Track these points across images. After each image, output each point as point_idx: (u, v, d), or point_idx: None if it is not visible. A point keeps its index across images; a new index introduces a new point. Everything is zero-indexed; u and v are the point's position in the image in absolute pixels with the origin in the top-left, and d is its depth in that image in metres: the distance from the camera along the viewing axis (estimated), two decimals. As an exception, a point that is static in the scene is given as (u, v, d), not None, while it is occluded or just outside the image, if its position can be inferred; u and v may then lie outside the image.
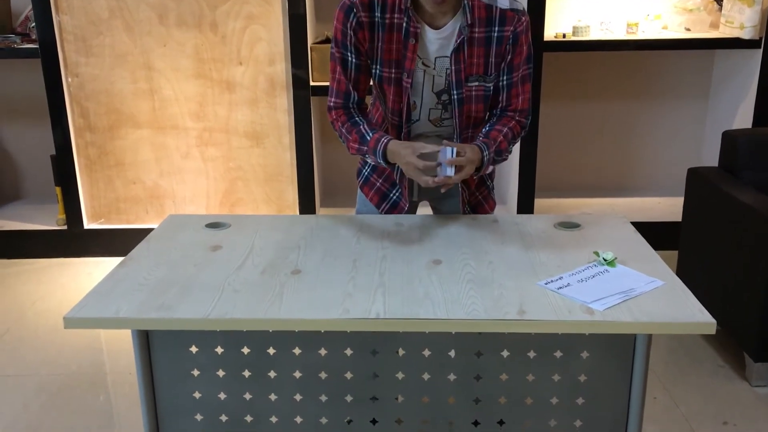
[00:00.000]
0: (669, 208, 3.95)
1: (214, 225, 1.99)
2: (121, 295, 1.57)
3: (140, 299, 1.55)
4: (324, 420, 1.67)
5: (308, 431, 1.69)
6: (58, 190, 3.79)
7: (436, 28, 1.83)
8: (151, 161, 3.75)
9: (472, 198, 2.08)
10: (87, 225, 3.79)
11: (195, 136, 3.71)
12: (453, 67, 1.85)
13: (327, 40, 3.63)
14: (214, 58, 3.59)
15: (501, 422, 1.66)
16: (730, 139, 2.83)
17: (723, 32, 3.66)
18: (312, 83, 3.56)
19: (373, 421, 1.67)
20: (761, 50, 3.51)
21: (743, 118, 3.67)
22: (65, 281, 3.54)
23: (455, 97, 1.89)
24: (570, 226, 1.95)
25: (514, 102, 1.92)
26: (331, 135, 4.06)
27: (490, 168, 1.90)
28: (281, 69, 3.59)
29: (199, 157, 3.75)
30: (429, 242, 1.83)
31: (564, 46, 3.61)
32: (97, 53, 3.57)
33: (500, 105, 1.94)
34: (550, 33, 3.63)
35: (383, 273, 1.66)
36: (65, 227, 3.79)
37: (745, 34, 3.49)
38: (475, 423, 1.67)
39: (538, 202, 3.85)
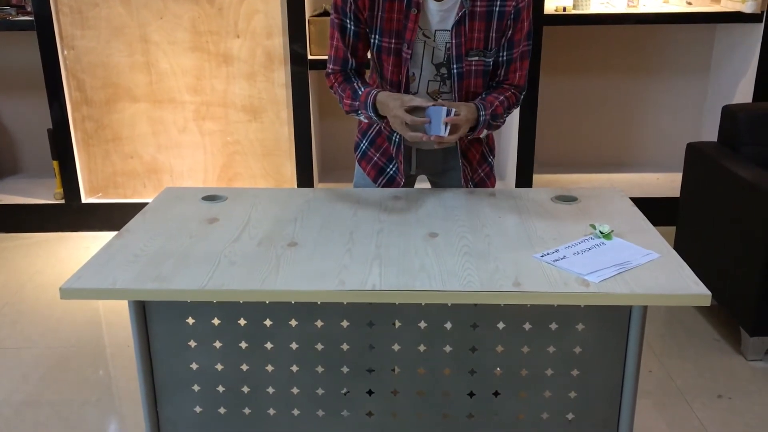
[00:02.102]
0: (668, 183, 3.94)
1: (210, 198, 1.98)
2: (117, 267, 1.57)
3: (136, 270, 1.55)
4: (320, 391, 1.68)
5: (305, 402, 1.70)
6: (55, 164, 3.78)
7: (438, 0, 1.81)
8: (148, 135, 3.73)
9: (475, 175, 2.07)
10: (84, 199, 3.79)
11: (192, 110, 3.69)
12: (453, 41, 1.84)
13: (325, 13, 3.60)
14: (211, 31, 3.56)
15: (496, 393, 1.67)
16: (729, 114, 2.82)
17: (724, 6, 3.63)
18: (310, 57, 3.53)
19: (369, 392, 1.69)
20: (762, 24, 3.48)
21: (744, 93, 3.65)
22: (63, 255, 3.55)
23: (455, 71, 1.88)
24: (567, 199, 1.95)
25: (512, 77, 1.93)
26: (329, 110, 4.04)
27: (484, 132, 1.90)
28: (279, 42, 3.56)
29: (197, 132, 3.73)
30: (426, 215, 1.83)
31: (564, 19, 3.58)
32: (93, 26, 3.54)
33: (498, 78, 1.94)
34: (550, 6, 3.59)
35: (380, 245, 1.66)
36: (63, 201, 3.79)
37: (747, 8, 3.45)
38: (471, 394, 1.68)
39: (537, 178, 3.84)
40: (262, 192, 2.03)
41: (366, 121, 1.95)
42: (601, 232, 1.69)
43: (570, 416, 1.69)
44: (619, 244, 1.66)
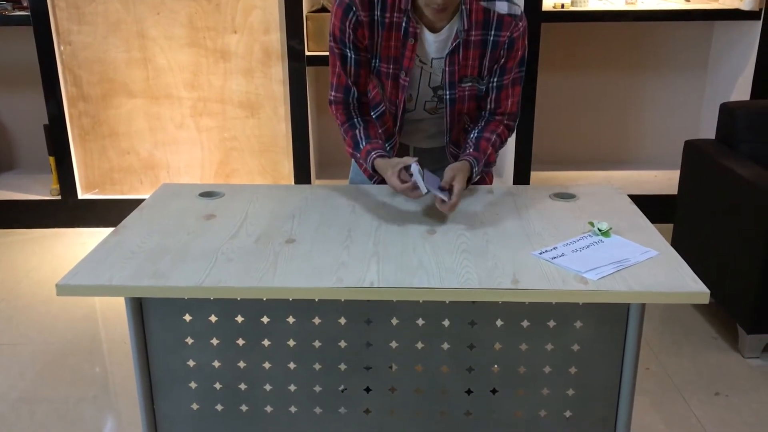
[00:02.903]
0: (665, 181, 3.94)
1: (207, 194, 1.97)
2: (114, 263, 1.56)
3: (133, 267, 1.54)
4: (318, 388, 1.68)
5: (302, 399, 1.69)
6: (51, 159, 3.76)
7: (435, 30, 1.81)
8: (145, 131, 3.72)
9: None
10: (81, 195, 3.78)
11: (189, 106, 3.68)
12: (447, 68, 1.84)
13: (323, 9, 3.59)
14: (208, 27, 3.55)
15: (494, 391, 1.67)
16: (727, 111, 2.81)
17: (722, 3, 3.63)
18: (308, 53, 3.52)
19: (367, 390, 1.68)
20: (761, 21, 3.48)
21: (742, 91, 3.65)
22: (59, 251, 3.54)
23: (447, 97, 1.88)
24: (565, 196, 1.94)
25: (504, 105, 1.90)
26: (326, 106, 4.01)
27: (477, 177, 1.90)
28: (276, 38, 3.55)
29: (194, 128, 3.72)
30: (424, 212, 1.82)
31: (562, 16, 3.57)
32: (90, 21, 3.52)
33: (489, 107, 1.92)
34: (548, 3, 3.59)
35: (378, 242, 1.65)
36: (59, 197, 3.78)
37: (745, 5, 3.45)
38: (468, 391, 1.67)
39: (534, 175, 3.83)
40: (259, 188, 2.02)
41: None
42: (600, 230, 1.69)
43: (568, 414, 1.68)
44: (618, 241, 1.65)
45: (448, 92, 1.87)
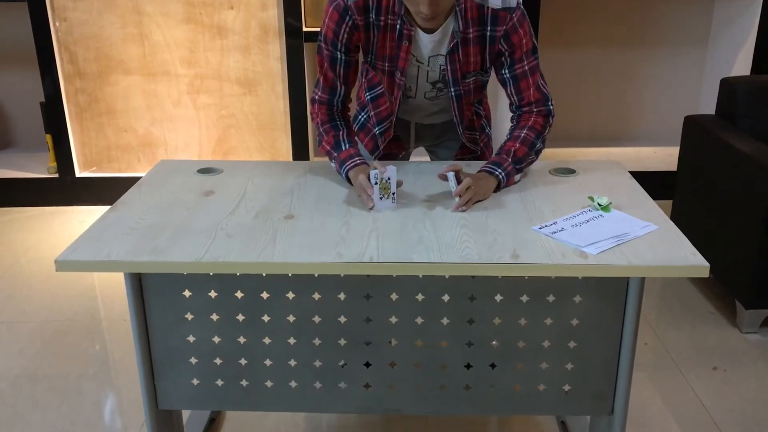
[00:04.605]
0: (665, 157, 3.94)
1: (206, 170, 1.97)
2: (112, 239, 1.56)
3: (132, 243, 1.54)
4: (318, 363, 1.69)
5: (302, 374, 1.70)
6: (48, 137, 3.74)
7: (429, 32, 1.78)
8: (142, 109, 3.70)
9: (474, 146, 2.06)
10: (78, 173, 3.76)
11: (186, 83, 3.65)
12: (449, 67, 1.82)
13: (320, -15, 3.55)
14: (205, 2, 3.51)
15: (493, 365, 1.67)
16: (728, 86, 2.80)
17: (724, -23, 3.59)
18: (305, 29, 3.49)
19: (367, 365, 1.69)
20: (762, -4, 3.45)
21: (742, 66, 3.63)
22: (57, 230, 3.53)
23: (453, 93, 1.87)
24: (565, 172, 1.94)
25: (526, 95, 1.86)
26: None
27: (517, 177, 1.84)
28: (273, 14, 3.51)
29: (191, 105, 3.70)
30: (423, 188, 1.82)
31: (562, -9, 3.54)
32: (85, -3, 3.49)
33: (513, 101, 1.88)
34: (548, -23, 3.55)
35: (377, 218, 1.65)
36: (56, 175, 3.76)
37: (747, -20, 3.42)
38: (468, 366, 1.68)
39: (533, 151, 3.81)
40: (257, 165, 2.01)
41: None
42: (600, 205, 1.69)
43: (566, 388, 1.69)
44: (618, 216, 1.65)
45: (452, 89, 1.86)
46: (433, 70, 1.85)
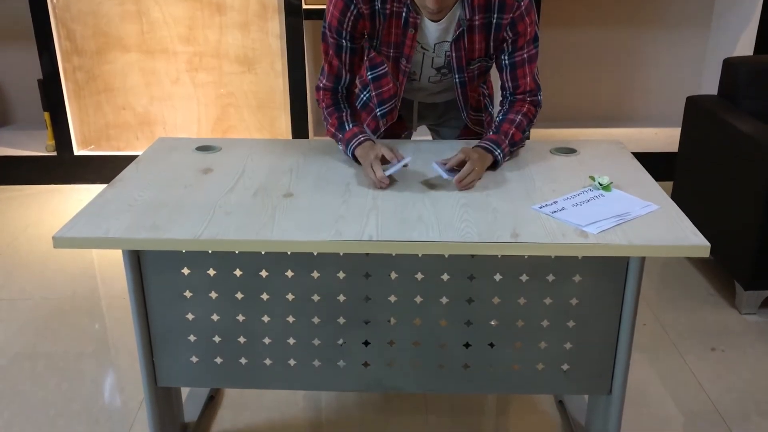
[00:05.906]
0: (666, 139, 3.92)
1: (204, 148, 1.95)
2: (110, 216, 1.55)
3: (130, 219, 1.53)
4: (317, 341, 1.69)
5: (301, 352, 1.70)
6: (46, 115, 3.72)
7: (435, 20, 1.76)
8: (140, 86, 3.67)
9: (477, 125, 2.05)
10: (77, 151, 3.74)
11: (185, 61, 3.63)
12: (454, 54, 1.81)
13: (320, -39, 3.51)
14: (204, -21, 3.47)
15: (492, 344, 1.67)
16: (730, 67, 2.78)
17: (728, -44, 3.56)
18: (305, 6, 3.46)
19: (366, 343, 1.69)
20: (766, -24, 3.41)
21: (745, 46, 3.60)
22: (56, 207, 3.52)
23: (457, 80, 1.86)
24: (566, 151, 1.93)
25: (522, 83, 1.85)
26: (324, 61, 3.97)
27: (508, 158, 1.86)
28: (273, -9, 3.48)
29: (190, 83, 3.67)
30: (424, 167, 1.81)
31: (564, -31, 3.50)
32: (82, -28, 3.45)
33: (508, 87, 1.87)
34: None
35: (376, 196, 1.64)
36: (55, 153, 3.75)
37: (751, -41, 3.39)
38: (466, 345, 1.68)
39: (534, 132, 3.81)
40: (256, 143, 2.00)
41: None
42: (600, 184, 1.68)
43: (565, 367, 1.69)
44: (618, 195, 1.64)
45: (457, 76, 1.85)
46: (438, 56, 1.84)
